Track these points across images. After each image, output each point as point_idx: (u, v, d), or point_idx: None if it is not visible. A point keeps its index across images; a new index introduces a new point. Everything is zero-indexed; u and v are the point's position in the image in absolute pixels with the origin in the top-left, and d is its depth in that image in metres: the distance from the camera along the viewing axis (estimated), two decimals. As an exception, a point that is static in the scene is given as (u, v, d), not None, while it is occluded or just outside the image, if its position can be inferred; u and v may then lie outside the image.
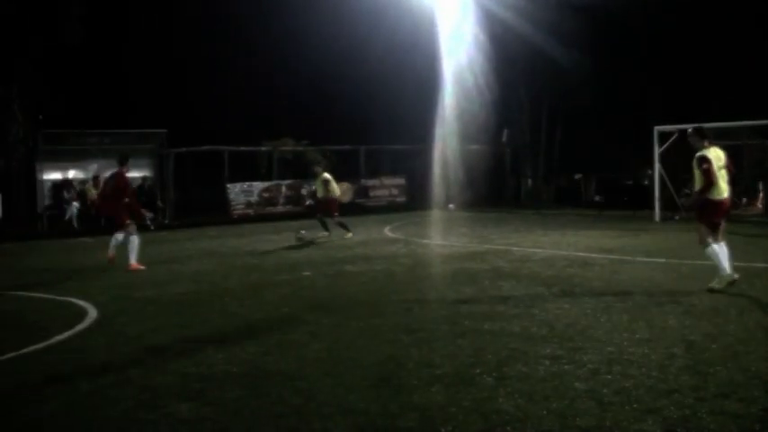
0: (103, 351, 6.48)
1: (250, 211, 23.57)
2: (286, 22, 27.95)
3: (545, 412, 4.44)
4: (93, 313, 8.17)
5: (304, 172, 23.13)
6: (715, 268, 8.29)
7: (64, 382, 5.50)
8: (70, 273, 12.00)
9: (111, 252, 12.12)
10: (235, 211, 23.30)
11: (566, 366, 5.38)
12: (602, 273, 9.92)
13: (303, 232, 15.89)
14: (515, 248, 13.21)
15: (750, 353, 5.58)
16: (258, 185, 24.22)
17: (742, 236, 12.56)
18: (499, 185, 28.34)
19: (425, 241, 15.63)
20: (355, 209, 22.10)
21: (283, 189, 24.47)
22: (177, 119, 24.69)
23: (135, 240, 12.06)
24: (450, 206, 24.98)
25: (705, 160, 8.20)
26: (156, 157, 24.08)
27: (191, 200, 24.71)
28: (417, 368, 5.50)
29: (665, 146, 18.68)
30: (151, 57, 27.77)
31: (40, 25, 21.83)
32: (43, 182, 22.58)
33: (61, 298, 9.32)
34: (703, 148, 8.37)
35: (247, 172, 24.71)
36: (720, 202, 8.29)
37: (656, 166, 18.73)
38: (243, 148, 24.94)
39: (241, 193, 23.67)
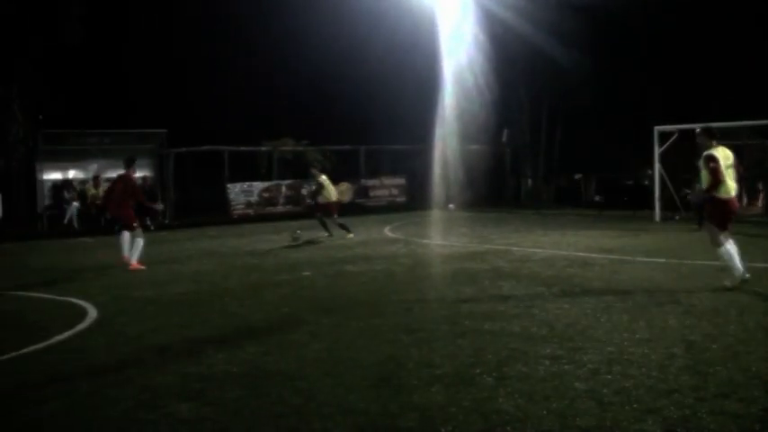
0: (103, 351, 6.49)
1: (250, 211, 23.57)
2: (286, 22, 27.95)
3: (545, 412, 4.44)
4: (93, 313, 8.18)
5: (304, 172, 23.12)
6: (726, 268, 8.34)
7: (64, 382, 5.50)
8: (70, 273, 12.00)
9: (126, 254, 12.17)
10: (235, 211, 23.29)
11: (566, 366, 5.39)
12: (602, 273, 9.92)
13: (299, 232, 15.91)
14: (515, 248, 13.21)
15: (750, 353, 5.58)
16: (258, 185, 24.21)
17: (742, 236, 12.55)
18: (499, 185, 28.34)
19: (425, 241, 15.63)
20: (355, 209, 22.10)
21: (283, 189, 24.47)
22: (177, 119, 24.68)
23: (140, 242, 12.22)
24: (450, 206, 24.98)
25: (713, 159, 8.26)
26: (156, 157, 24.06)
27: (191, 200, 24.70)
28: (417, 368, 5.50)
29: (665, 146, 18.67)
30: (151, 57, 27.76)
31: (40, 25, 21.82)
32: (43, 182, 22.56)
33: (61, 298, 9.32)
34: (711, 147, 8.44)
35: (247, 172, 24.69)
36: (728, 201, 8.33)
37: (656, 166, 18.73)
38: (243, 148, 24.93)
39: (241, 193, 23.67)
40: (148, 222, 19.09)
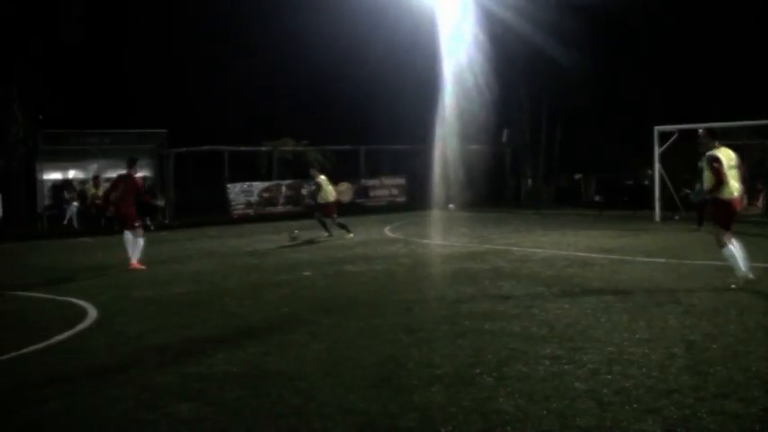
0: (103, 351, 6.49)
1: (250, 211, 23.57)
2: (286, 22, 27.94)
3: (545, 412, 4.44)
4: (93, 313, 8.18)
5: (304, 172, 23.12)
6: (730, 269, 8.37)
7: (64, 382, 5.50)
8: (70, 273, 12.00)
9: (131, 256, 12.18)
10: (235, 211, 23.30)
11: (566, 366, 5.38)
12: (602, 273, 9.92)
13: (296, 232, 15.91)
14: (515, 248, 13.21)
15: (750, 353, 5.58)
16: (258, 185, 24.21)
17: (742, 236, 12.53)
18: (499, 185, 28.33)
19: (425, 241, 15.63)
20: (355, 209, 22.10)
21: (283, 189, 24.47)
22: (177, 119, 24.68)
23: (141, 242, 12.28)
24: (451, 206, 24.98)
25: (716, 160, 8.29)
26: (156, 157, 24.06)
27: (191, 200, 24.71)
28: (417, 368, 5.50)
29: (665, 146, 18.67)
30: (151, 57, 27.77)
31: (40, 25, 21.82)
32: (43, 182, 22.56)
33: (61, 298, 9.33)
34: (714, 148, 8.46)
35: (247, 172, 24.70)
36: (731, 202, 8.35)
37: (656, 166, 18.72)
38: (243, 148, 24.93)
39: (241, 193, 23.67)
40: (149, 222, 19.09)
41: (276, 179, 24.97)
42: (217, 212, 23.25)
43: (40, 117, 23.14)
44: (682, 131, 18.38)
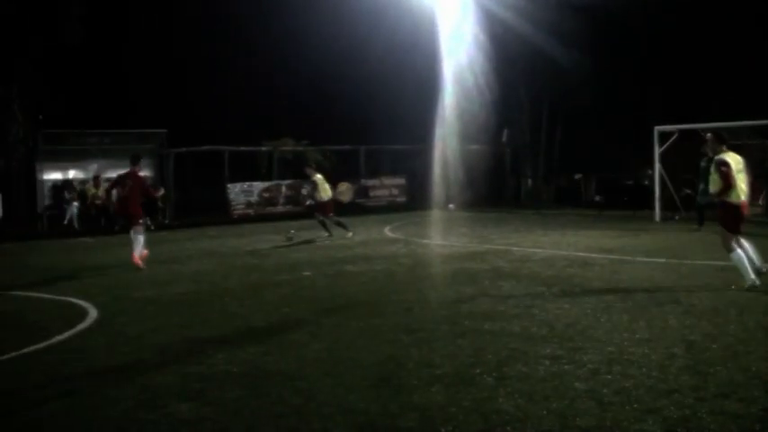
0: (103, 351, 6.49)
1: (250, 211, 23.57)
2: (286, 22, 27.94)
3: (545, 412, 4.44)
4: (93, 313, 8.18)
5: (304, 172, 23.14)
6: (734, 269, 8.39)
7: (64, 382, 5.50)
8: (70, 273, 12.00)
9: (138, 252, 12.19)
10: (235, 211, 23.29)
11: (566, 366, 5.39)
12: (602, 273, 9.92)
13: (293, 232, 15.91)
14: (515, 248, 13.21)
15: (750, 353, 5.58)
16: (258, 185, 24.21)
17: (742, 235, 12.55)
18: (499, 185, 28.32)
19: (425, 241, 15.63)
20: (355, 209, 22.09)
21: (283, 189, 24.46)
22: (177, 119, 24.68)
23: (141, 238, 12.29)
24: (451, 206, 24.97)
25: (725, 164, 8.31)
26: (156, 157, 24.06)
27: (191, 200, 24.70)
28: (417, 368, 5.50)
29: (665, 146, 18.67)
30: (151, 57, 27.76)
31: (40, 25, 21.81)
32: (43, 182, 22.56)
33: (61, 298, 9.32)
34: (722, 152, 8.47)
35: (247, 172, 24.68)
36: (739, 206, 8.38)
37: (657, 166, 18.72)
38: (243, 148, 24.92)
39: (241, 193, 23.66)
40: (149, 222, 19.08)
41: (276, 179, 24.97)
42: (217, 212, 23.24)
43: (40, 117, 23.13)
44: (682, 131, 18.37)
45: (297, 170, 24.90)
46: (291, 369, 5.63)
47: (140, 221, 12.35)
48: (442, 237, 16.55)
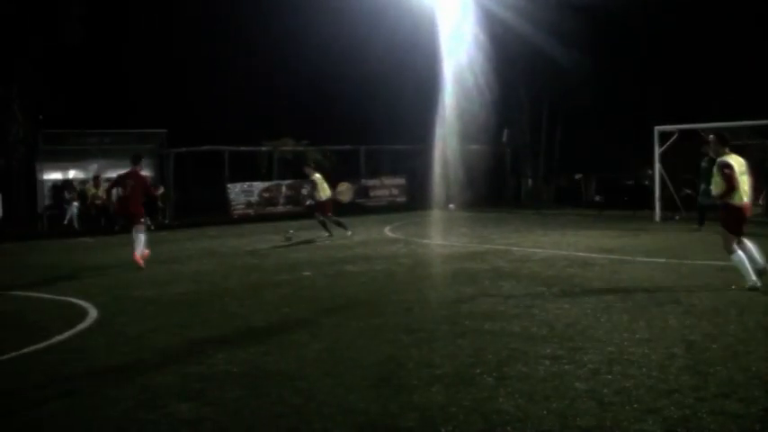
0: (103, 351, 6.49)
1: (250, 211, 23.57)
2: (286, 22, 27.93)
3: (545, 412, 4.44)
4: (93, 313, 8.18)
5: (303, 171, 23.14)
6: (735, 269, 8.39)
7: (64, 382, 5.50)
8: (70, 273, 12.00)
9: (139, 251, 12.20)
10: (235, 211, 23.29)
11: (566, 366, 5.39)
12: (602, 273, 9.92)
13: (291, 231, 15.91)
14: (515, 248, 13.21)
15: (750, 353, 5.58)
16: (258, 185, 24.21)
17: (745, 236, 12.54)
18: (499, 185, 28.31)
19: (425, 241, 15.63)
20: (355, 209, 22.08)
21: (283, 189, 24.46)
22: (177, 119, 24.67)
23: (142, 237, 12.32)
24: (451, 206, 24.97)
25: (728, 166, 8.32)
26: (156, 157, 24.05)
27: (191, 200, 24.69)
28: (417, 368, 5.50)
29: (665, 146, 18.67)
30: (151, 57, 27.75)
31: (40, 25, 21.81)
32: (43, 182, 22.55)
33: (61, 298, 9.32)
34: (725, 154, 8.48)
35: (247, 172, 24.68)
36: (741, 207, 8.39)
37: (657, 166, 18.72)
38: (243, 148, 24.91)
39: (241, 193, 23.66)
40: (149, 222, 19.07)
41: (276, 179, 24.96)
42: (217, 212, 23.23)
43: (40, 117, 23.12)
44: (682, 131, 18.37)
45: (297, 170, 24.90)
46: (291, 369, 5.63)
47: (142, 221, 12.38)
48: (442, 237, 16.55)
